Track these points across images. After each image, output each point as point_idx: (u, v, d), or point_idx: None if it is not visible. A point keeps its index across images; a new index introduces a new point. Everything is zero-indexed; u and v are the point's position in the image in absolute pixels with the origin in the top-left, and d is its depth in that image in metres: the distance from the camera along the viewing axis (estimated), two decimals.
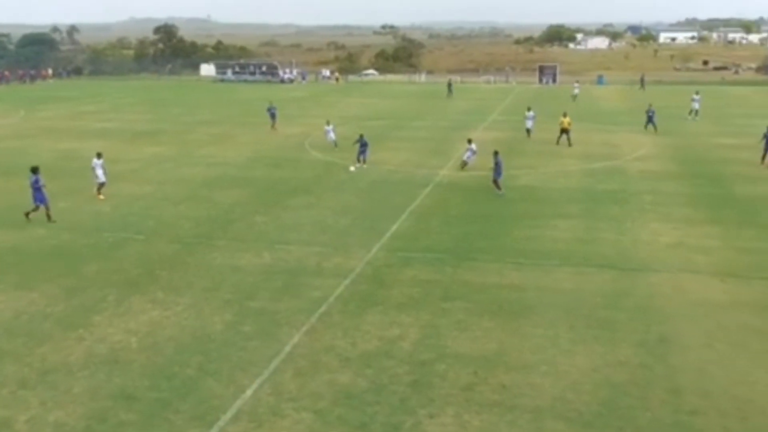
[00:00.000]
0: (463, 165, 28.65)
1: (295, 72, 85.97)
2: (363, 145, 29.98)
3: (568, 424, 10.73)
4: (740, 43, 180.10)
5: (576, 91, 56.85)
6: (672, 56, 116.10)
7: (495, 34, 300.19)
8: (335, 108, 53.98)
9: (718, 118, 45.23)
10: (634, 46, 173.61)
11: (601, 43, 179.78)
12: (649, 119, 38.71)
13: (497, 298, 15.60)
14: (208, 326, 14.26)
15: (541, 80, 75.89)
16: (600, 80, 75.19)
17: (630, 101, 55.20)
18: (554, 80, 75.24)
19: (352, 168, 29.15)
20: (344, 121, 42.84)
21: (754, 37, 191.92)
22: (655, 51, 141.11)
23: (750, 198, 24.32)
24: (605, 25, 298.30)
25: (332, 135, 33.85)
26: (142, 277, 17.08)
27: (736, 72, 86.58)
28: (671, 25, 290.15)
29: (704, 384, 11.79)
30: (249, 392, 11.67)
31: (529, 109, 36.12)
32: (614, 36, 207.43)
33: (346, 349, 13.23)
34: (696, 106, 43.26)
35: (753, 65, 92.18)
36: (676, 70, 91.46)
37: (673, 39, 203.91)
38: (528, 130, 36.35)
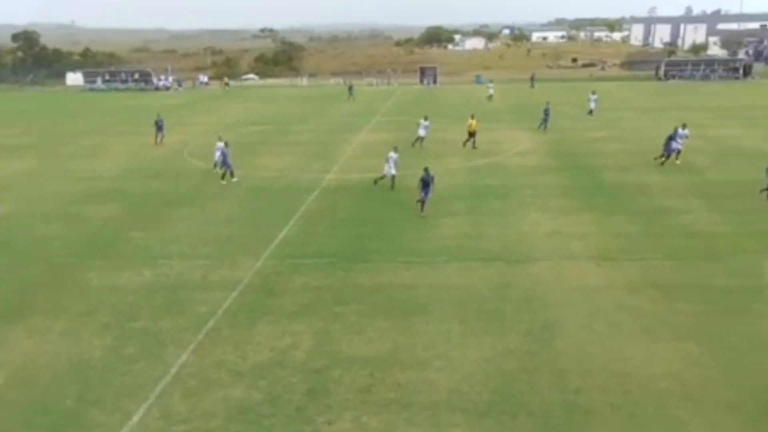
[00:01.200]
0: (385, 179, 26.29)
1: (170, 79, 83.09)
2: (223, 155, 28.16)
3: (464, 416, 11.10)
4: (605, 41, 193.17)
5: (491, 91, 58.50)
6: (544, 54, 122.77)
7: (375, 36, 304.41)
8: (215, 114, 52.75)
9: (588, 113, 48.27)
10: (508, 45, 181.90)
11: (478, 43, 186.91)
12: (545, 117, 39.97)
13: (390, 298, 15.86)
14: (86, 352, 13.53)
15: (422, 81, 77.77)
16: (478, 79, 78.12)
17: (509, 99, 57.72)
18: (435, 81, 77.34)
19: (223, 182, 27.89)
20: (226, 128, 41.94)
21: (617, 36, 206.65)
22: (529, 50, 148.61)
23: (618, 186, 26.15)
24: (481, 26, 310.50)
25: (218, 154, 29.47)
26: (11, 305, 15.93)
27: (603, 68, 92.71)
28: (542, 25, 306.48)
29: (586, 364, 12.59)
30: (136, 418, 11.20)
31: (426, 118, 35.57)
32: (490, 36, 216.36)
33: (237, 363, 12.98)
34: (592, 105, 45.19)
35: (617, 61, 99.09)
36: (549, 67, 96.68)
37: (545, 38, 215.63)
38: (420, 138, 35.14)
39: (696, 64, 77.24)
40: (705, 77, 73.60)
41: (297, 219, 22.57)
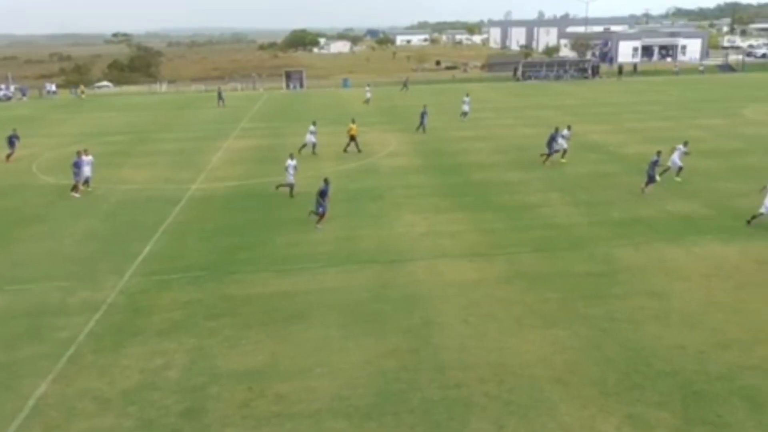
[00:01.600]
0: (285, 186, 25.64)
1: (12, 88, 76.99)
2: (77, 166, 26.51)
3: (348, 421, 11.15)
4: (467, 44, 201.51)
5: (368, 95, 58.68)
6: (409, 57, 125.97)
7: (238, 40, 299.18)
8: (68, 125, 49.48)
9: (454, 113, 50.11)
10: (373, 49, 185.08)
11: (343, 47, 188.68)
12: (422, 119, 40.59)
13: (265, 308, 15.62)
14: None
15: (288, 86, 77.32)
16: (345, 83, 78.82)
17: (377, 101, 58.63)
18: (301, 85, 77.18)
19: (77, 195, 26.35)
20: (82, 139, 39.50)
21: (477, 38, 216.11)
22: (394, 53, 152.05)
23: (484, 184, 27.39)
24: (346, 30, 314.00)
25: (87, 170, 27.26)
26: None
27: (465, 70, 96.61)
28: (406, 28, 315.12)
29: (464, 357, 13.06)
30: None
31: (314, 123, 34.86)
32: (355, 40, 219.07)
33: (103, 389, 12.26)
34: (466, 108, 46.57)
35: (478, 63, 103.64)
36: (414, 70, 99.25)
37: (409, 41, 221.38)
38: (313, 144, 34.17)
39: (550, 65, 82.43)
40: (558, 77, 78.75)
41: (163, 232, 21.69)
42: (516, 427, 10.91)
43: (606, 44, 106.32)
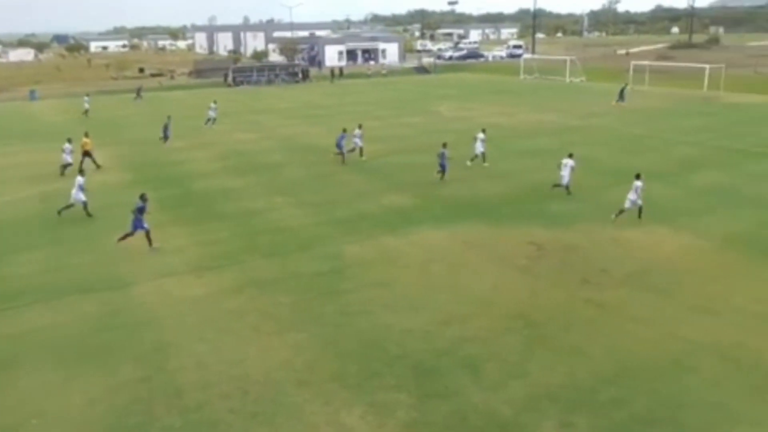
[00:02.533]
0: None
1: None
2: None
3: None
4: (171, 50, 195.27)
5: (86, 105, 52.85)
6: (107, 65, 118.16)
7: None
8: None
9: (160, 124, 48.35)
10: (63, 56, 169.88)
11: (26, 54, 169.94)
12: (165, 131, 38.44)
13: None
14: None
15: None
16: (32, 95, 71.16)
17: (70, 114, 54.03)
18: None
19: None
20: None
21: (182, 44, 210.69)
22: (89, 60, 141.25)
23: (206, 193, 26.96)
24: (27, 35, 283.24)
25: None
26: None
27: (172, 77, 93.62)
28: (100, 33, 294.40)
29: (204, 376, 12.74)
30: None
31: (69, 141, 30.64)
32: (40, 47, 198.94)
33: None
34: (212, 114, 44.86)
35: (186, 70, 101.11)
36: (114, 79, 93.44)
37: (105, 48, 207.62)
38: (67, 165, 30.28)
39: (261, 69, 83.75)
40: (270, 82, 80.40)
41: None
42: None
43: (313, 48, 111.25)
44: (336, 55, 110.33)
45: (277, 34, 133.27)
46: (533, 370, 12.73)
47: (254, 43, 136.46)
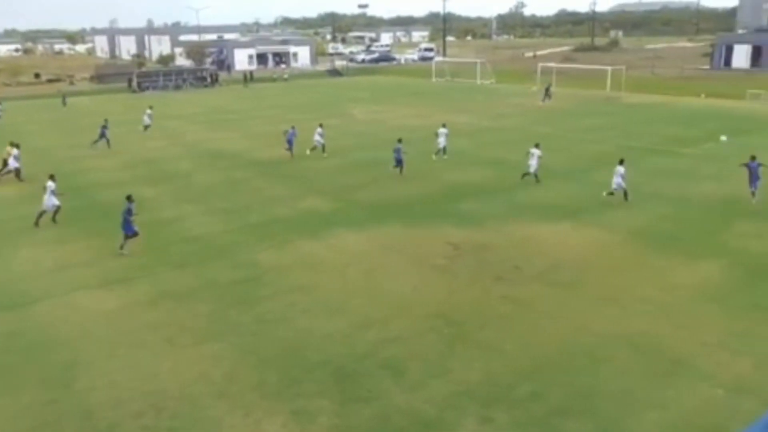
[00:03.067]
0: None
1: None
2: None
3: None
4: (69, 54, 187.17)
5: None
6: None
7: None
8: None
9: (66, 130, 46.40)
10: None
11: None
12: (102, 133, 37.72)
13: None
14: None
15: None
16: None
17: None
18: None
19: None
20: None
21: (81, 48, 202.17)
22: None
23: (115, 203, 25.84)
24: None
25: None
26: None
27: (72, 83, 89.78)
28: None
29: (116, 394, 12.32)
30: None
31: (16, 146, 29.42)
32: None
33: None
34: (147, 120, 43.62)
35: (87, 75, 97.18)
36: (7, 85, 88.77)
37: None
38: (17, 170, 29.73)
39: (167, 74, 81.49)
40: (178, 87, 78.36)
41: None
42: None
43: (222, 52, 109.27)
44: (246, 59, 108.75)
45: (183, 37, 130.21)
46: (454, 368, 13.00)
47: (160, 47, 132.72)
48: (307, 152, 33.79)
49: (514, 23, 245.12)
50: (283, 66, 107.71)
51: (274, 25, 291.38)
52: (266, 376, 12.87)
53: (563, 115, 48.68)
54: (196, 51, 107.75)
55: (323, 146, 34.22)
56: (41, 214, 22.99)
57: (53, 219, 23.14)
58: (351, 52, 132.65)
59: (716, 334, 14.12)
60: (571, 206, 23.99)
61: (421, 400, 11.93)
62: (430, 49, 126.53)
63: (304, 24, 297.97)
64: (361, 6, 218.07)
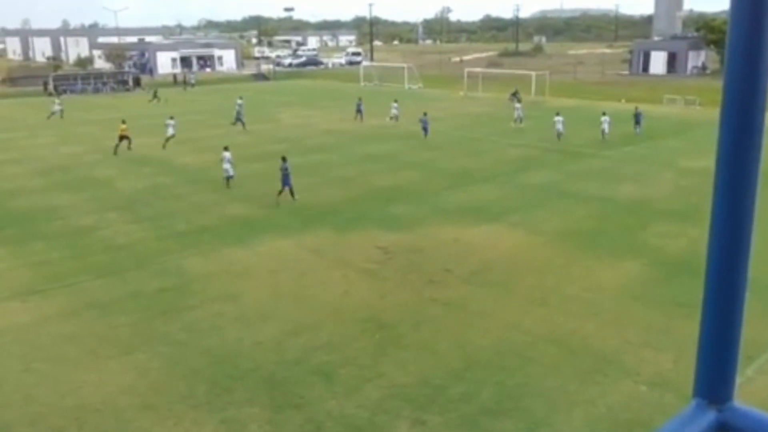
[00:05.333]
0: None
1: None
2: None
3: None
4: None
5: None
6: None
7: None
8: None
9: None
10: None
11: None
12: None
13: None
14: None
15: None
16: None
17: None
18: None
19: None
20: None
21: None
22: None
23: (29, 212, 24.95)
24: None
25: None
26: None
27: None
28: None
29: (32, 410, 11.80)
30: None
31: None
32: None
33: None
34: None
35: None
36: None
37: None
38: None
39: (86, 77, 78.86)
40: (97, 90, 75.93)
41: None
42: None
43: (143, 55, 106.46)
44: (169, 62, 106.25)
45: (102, 39, 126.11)
46: (386, 372, 13.04)
47: (77, 49, 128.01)
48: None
49: (440, 28, 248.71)
50: (207, 70, 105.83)
51: (198, 27, 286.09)
52: (195, 386, 12.58)
53: (490, 119, 49.65)
54: (116, 54, 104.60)
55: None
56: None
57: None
58: (278, 56, 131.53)
59: (639, 331, 14.67)
60: (497, 209, 24.50)
61: (353, 405, 11.92)
62: (358, 54, 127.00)
63: (228, 27, 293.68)
64: (286, 9, 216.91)
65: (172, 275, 18.35)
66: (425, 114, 39.46)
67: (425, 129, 39.12)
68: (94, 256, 20.06)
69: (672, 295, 16.44)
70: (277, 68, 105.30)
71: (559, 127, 38.06)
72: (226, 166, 27.83)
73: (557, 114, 38.76)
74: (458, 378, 12.83)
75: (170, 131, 38.11)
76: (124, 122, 37.59)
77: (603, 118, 38.29)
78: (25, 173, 31.78)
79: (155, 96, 64.59)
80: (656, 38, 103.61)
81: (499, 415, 11.62)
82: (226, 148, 28.44)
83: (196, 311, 15.93)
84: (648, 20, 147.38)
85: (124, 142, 36.66)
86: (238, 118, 45.62)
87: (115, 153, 36.06)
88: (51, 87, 74.08)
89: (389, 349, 13.95)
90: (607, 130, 38.31)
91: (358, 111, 48.59)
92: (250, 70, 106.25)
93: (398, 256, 19.64)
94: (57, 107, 49.87)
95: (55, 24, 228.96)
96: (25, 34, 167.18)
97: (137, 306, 16.25)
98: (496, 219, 23.24)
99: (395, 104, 48.01)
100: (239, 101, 48.08)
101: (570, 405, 11.93)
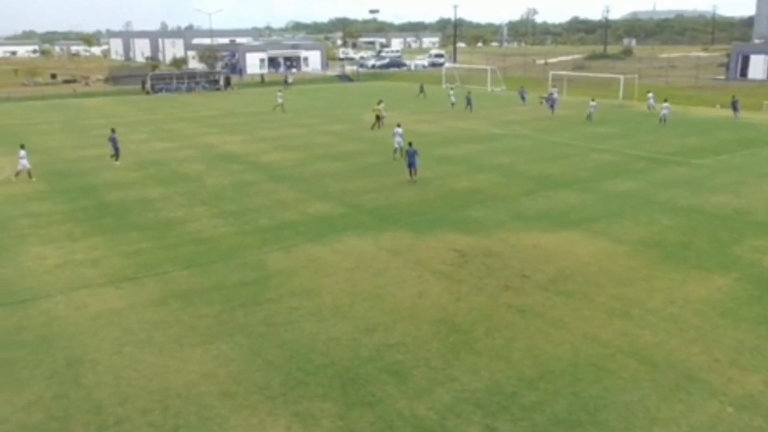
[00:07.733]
0: None
1: None
2: None
3: None
4: (85, 56, 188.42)
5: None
6: (16, 71, 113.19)
7: None
8: None
9: (78, 130, 46.75)
10: None
11: None
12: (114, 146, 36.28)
13: None
14: None
15: None
16: None
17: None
18: None
19: None
20: None
21: (96, 50, 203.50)
22: None
23: (123, 203, 26.17)
24: None
25: None
26: None
27: (87, 84, 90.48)
28: (7, 38, 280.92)
29: (122, 391, 12.38)
30: None
31: (22, 147, 30.15)
32: None
33: None
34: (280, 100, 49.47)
35: (101, 76, 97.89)
36: (24, 85, 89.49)
37: (14, 53, 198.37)
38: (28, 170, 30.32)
39: (180, 77, 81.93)
40: (190, 89, 78.82)
41: None
42: None
43: (233, 56, 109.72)
44: (258, 63, 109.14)
45: (196, 41, 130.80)
46: (458, 376, 12.95)
47: (173, 50, 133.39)
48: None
49: (525, 30, 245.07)
50: (293, 70, 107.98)
51: (285, 29, 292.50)
52: (271, 378, 12.88)
53: (574, 123, 48.49)
54: (208, 54, 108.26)
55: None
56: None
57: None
58: (361, 57, 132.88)
59: (727, 349, 13.97)
60: (577, 215, 23.90)
61: (424, 407, 11.90)
62: (440, 55, 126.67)
63: (314, 29, 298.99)
64: (372, 11, 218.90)
65: (254, 269, 18.83)
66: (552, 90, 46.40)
67: (552, 106, 51.54)
68: (182, 247, 20.84)
69: (766, 314, 15.60)
70: (361, 69, 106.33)
71: (665, 111, 45.92)
72: (398, 139, 33.72)
73: (665, 101, 47.31)
74: (531, 386, 12.59)
75: (279, 101, 53.19)
76: (379, 102, 45.91)
77: (664, 105, 46.77)
78: (123, 167, 33.33)
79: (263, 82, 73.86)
80: (757, 41, 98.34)
81: (574, 427, 11.33)
82: (398, 125, 34.85)
83: (275, 305, 16.29)
84: (748, 22, 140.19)
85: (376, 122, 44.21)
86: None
87: (372, 128, 44.41)
88: (148, 86, 77.47)
89: (462, 353, 13.85)
90: (667, 115, 45.24)
91: (468, 103, 55.43)
92: (334, 71, 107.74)
93: (474, 260, 19.47)
94: (279, 100, 56.81)
95: (154, 26, 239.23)
96: (126, 36, 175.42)
97: (220, 297, 16.78)
98: (577, 226, 22.67)
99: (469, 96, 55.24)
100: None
101: (650, 422, 11.48)
